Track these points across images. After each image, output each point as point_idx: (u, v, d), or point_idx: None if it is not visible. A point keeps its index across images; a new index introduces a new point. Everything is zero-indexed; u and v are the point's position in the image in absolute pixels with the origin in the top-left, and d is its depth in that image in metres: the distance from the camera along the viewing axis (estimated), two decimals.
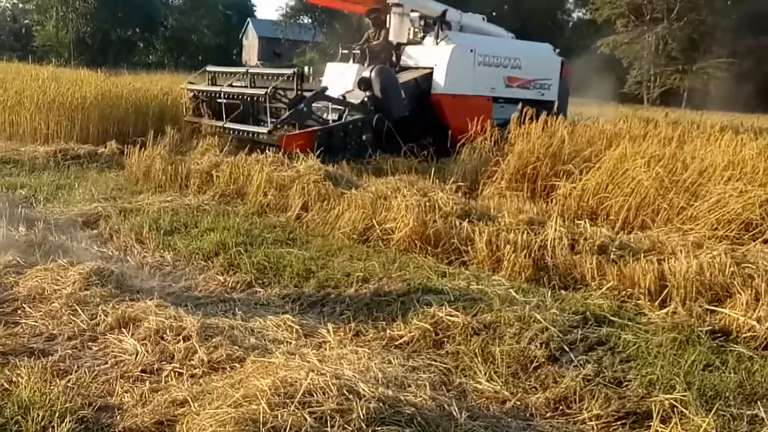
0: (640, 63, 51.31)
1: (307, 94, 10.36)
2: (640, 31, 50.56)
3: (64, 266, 5.08)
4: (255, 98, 10.58)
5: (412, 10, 12.47)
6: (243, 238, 6.25)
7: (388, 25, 12.64)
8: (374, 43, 12.51)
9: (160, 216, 6.94)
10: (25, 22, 62.24)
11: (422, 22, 12.49)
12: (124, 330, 4.19)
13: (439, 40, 12.04)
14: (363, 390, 3.24)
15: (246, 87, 11.24)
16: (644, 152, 7.44)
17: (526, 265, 5.40)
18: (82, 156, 10.32)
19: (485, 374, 3.85)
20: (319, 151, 9.28)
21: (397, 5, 12.19)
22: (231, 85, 11.47)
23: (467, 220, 6.26)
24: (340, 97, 11.27)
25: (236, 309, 4.77)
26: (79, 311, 4.44)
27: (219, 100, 11.34)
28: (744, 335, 4.25)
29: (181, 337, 4.05)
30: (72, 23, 54.66)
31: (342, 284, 5.20)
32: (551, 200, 7.65)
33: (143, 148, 9.35)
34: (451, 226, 6.16)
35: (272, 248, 6.05)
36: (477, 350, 4.06)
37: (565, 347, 4.07)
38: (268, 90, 10.06)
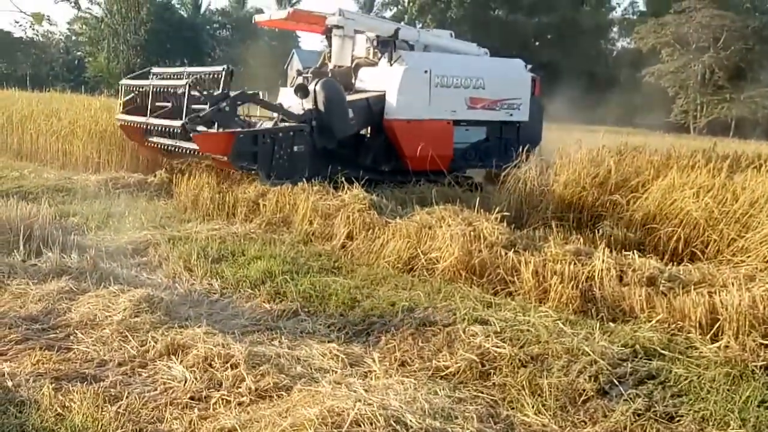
0: (686, 92, 50.76)
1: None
2: (685, 60, 50.09)
3: (114, 293, 5.20)
4: (178, 93, 9.78)
5: (356, 31, 11.61)
6: (289, 266, 6.31)
7: (356, 45, 11.81)
8: (329, 64, 11.70)
9: (208, 244, 7.04)
10: (78, 53, 64.09)
11: (376, 43, 11.78)
12: (173, 357, 4.25)
13: (393, 62, 11.20)
14: (410, 421, 3.24)
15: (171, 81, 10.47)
16: (693, 182, 7.32)
17: (574, 296, 5.34)
18: (132, 185, 10.53)
19: (533, 407, 3.81)
20: (240, 162, 8.89)
21: (338, 27, 11.21)
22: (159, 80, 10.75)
23: (513, 250, 6.22)
24: (276, 104, 10.52)
25: (282, 337, 4.81)
26: (130, 338, 4.52)
27: (155, 102, 10.43)
28: None
29: (229, 365, 4.09)
30: (123, 55, 56.06)
31: (387, 313, 5.21)
32: (598, 231, 7.55)
33: (191, 177, 9.51)
34: (496, 256, 6.13)
35: (318, 276, 6.10)
36: (524, 382, 4.02)
37: (615, 381, 4.01)
38: (188, 82, 9.37)
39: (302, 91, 10.20)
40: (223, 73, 9.36)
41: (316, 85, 10.30)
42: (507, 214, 7.84)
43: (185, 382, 3.95)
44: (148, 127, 10.33)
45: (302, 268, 6.33)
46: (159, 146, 10.64)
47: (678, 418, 3.66)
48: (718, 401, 3.73)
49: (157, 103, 10.34)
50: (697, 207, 6.85)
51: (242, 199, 8.70)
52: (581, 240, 6.81)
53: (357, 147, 11.07)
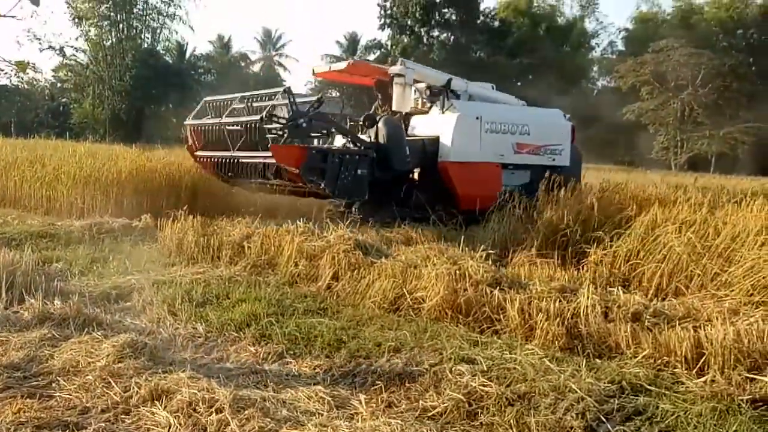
0: (666, 129, 51.50)
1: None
2: (665, 97, 50.93)
3: (98, 339, 5.13)
4: (252, 125, 10.44)
5: (416, 81, 12.56)
6: (274, 309, 6.28)
7: (391, 94, 12.56)
8: (382, 112, 12.55)
9: (193, 287, 7.00)
10: (63, 100, 64.24)
11: (428, 92, 12.65)
12: (157, 402, 4.18)
13: (444, 109, 12.12)
14: None
15: (242, 115, 11.05)
16: (675, 218, 7.40)
17: (560, 333, 5.34)
18: (116, 229, 10.48)
19: None
20: (309, 176, 9.53)
21: (399, 75, 12.20)
22: (228, 116, 11.30)
23: (498, 288, 6.22)
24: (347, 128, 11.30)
25: (268, 380, 4.75)
26: (113, 384, 4.45)
27: (226, 128, 11.17)
28: None
29: (213, 410, 4.03)
30: (108, 101, 56.25)
31: (373, 354, 5.18)
32: (582, 267, 7.59)
33: (176, 221, 9.50)
34: (482, 295, 6.12)
35: (303, 318, 6.07)
36: (512, 421, 3.99)
37: (602, 417, 3.99)
38: (263, 114, 10.04)
39: (370, 120, 11.20)
40: (288, 95, 10.20)
41: (379, 120, 11.23)
42: (492, 252, 7.89)
43: (169, 427, 3.89)
44: (232, 160, 11.00)
45: (287, 310, 6.30)
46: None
47: None
48: None
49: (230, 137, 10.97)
50: (679, 242, 6.91)
51: (227, 241, 8.67)
52: (566, 277, 6.83)
53: (405, 187, 11.69)
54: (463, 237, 8.63)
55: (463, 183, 11.29)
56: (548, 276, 7.06)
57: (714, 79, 49.50)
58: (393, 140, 11.10)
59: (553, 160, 12.89)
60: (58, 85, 65.70)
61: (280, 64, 79.54)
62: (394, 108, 12.36)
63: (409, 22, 59.66)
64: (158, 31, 61.16)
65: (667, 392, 4.34)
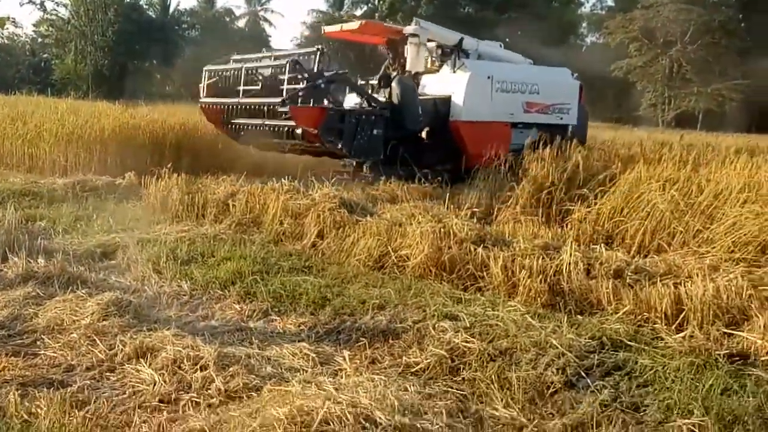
0: (654, 86, 51.38)
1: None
2: (653, 54, 50.67)
3: (82, 297, 5.15)
4: (274, 75, 10.71)
5: (429, 40, 12.63)
6: (259, 267, 6.30)
7: (405, 55, 12.76)
8: (393, 72, 12.64)
9: (177, 246, 7.00)
10: (44, 56, 63.15)
11: (439, 51, 12.77)
12: (141, 360, 4.21)
13: (456, 69, 12.19)
14: (379, 418, 3.25)
15: (262, 94, 11.19)
16: (659, 176, 7.43)
17: (542, 290, 5.38)
18: (100, 187, 10.44)
19: (502, 401, 3.83)
20: (327, 137, 9.80)
21: (413, 35, 12.36)
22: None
23: (482, 245, 6.25)
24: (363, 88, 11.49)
25: (253, 338, 4.79)
26: (98, 342, 4.48)
27: (238, 85, 11.43)
28: (762, 358, 4.20)
29: (198, 367, 4.07)
30: (90, 56, 55.32)
31: (358, 311, 5.22)
32: (566, 225, 7.63)
33: (160, 179, 9.45)
34: (466, 252, 6.16)
35: (288, 276, 6.09)
36: (493, 377, 4.04)
37: (582, 373, 4.06)
38: (288, 61, 10.29)
39: (385, 80, 11.36)
40: (318, 53, 10.40)
41: (392, 80, 11.36)
42: (477, 210, 7.92)
43: (154, 384, 3.92)
44: (237, 107, 11.26)
45: (272, 268, 6.32)
46: (241, 127, 11.57)
47: (643, 408, 3.70)
48: (682, 390, 3.78)
49: (245, 87, 11.21)
50: (663, 200, 6.94)
51: (212, 199, 8.65)
52: (550, 234, 6.87)
53: (417, 146, 11.72)
54: (448, 195, 8.65)
55: (473, 142, 11.29)
56: (532, 234, 7.09)
57: (703, 36, 49.19)
58: (406, 100, 11.19)
59: (561, 119, 13.06)
60: (39, 40, 64.55)
61: (266, 20, 78.38)
62: (408, 68, 12.51)
63: None
64: None
65: (646, 347, 4.40)
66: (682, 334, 4.57)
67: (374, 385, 3.81)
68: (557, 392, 3.91)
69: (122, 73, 56.15)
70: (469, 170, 10.68)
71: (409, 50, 12.48)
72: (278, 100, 10.14)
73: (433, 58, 12.99)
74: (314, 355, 4.42)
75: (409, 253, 6.35)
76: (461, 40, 12.58)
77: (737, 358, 4.22)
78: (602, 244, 6.37)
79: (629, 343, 4.46)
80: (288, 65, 10.27)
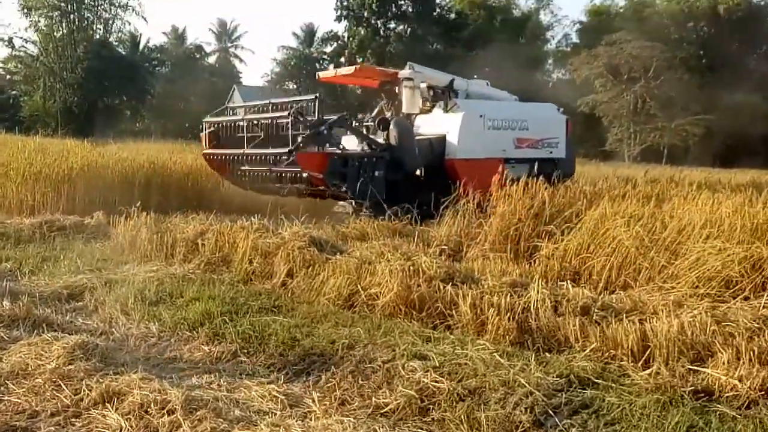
0: (620, 121, 52.26)
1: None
2: (618, 90, 51.63)
3: (48, 341, 5.06)
4: (276, 123, 11.01)
5: (422, 82, 13.07)
6: (228, 307, 6.27)
7: (400, 97, 13.23)
8: (387, 114, 13.05)
9: (146, 286, 6.94)
10: (12, 92, 62.73)
11: (431, 93, 13.16)
12: (108, 405, 4.15)
13: (448, 109, 12.69)
14: None
15: (267, 145, 11.42)
16: (624, 212, 7.55)
17: (510, 328, 5.42)
18: (68, 227, 10.33)
19: None
20: (332, 180, 10.23)
21: (408, 79, 12.84)
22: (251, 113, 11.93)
23: (451, 283, 6.29)
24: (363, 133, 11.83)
25: (221, 380, 4.75)
26: (63, 386, 4.41)
27: (239, 134, 11.73)
28: (726, 394, 4.26)
29: (165, 411, 4.02)
30: (59, 93, 55.03)
31: (327, 351, 5.20)
32: (534, 261, 7.71)
33: (129, 218, 9.39)
34: (435, 290, 6.19)
35: (257, 316, 6.06)
36: (462, 416, 4.04)
37: (550, 411, 4.08)
38: (291, 111, 10.56)
39: (383, 123, 11.73)
40: (316, 101, 10.88)
41: (391, 121, 11.80)
42: (446, 247, 7.98)
43: (120, 430, 3.87)
44: (243, 157, 11.55)
45: (242, 309, 6.29)
46: (247, 174, 11.87)
47: None
48: (649, 428, 3.82)
49: (248, 135, 11.52)
50: (628, 236, 7.04)
51: (181, 239, 8.62)
52: (517, 271, 6.93)
53: (414, 184, 12.00)
54: (417, 233, 8.70)
55: (469, 178, 11.41)
56: (501, 270, 7.15)
57: (666, 72, 50.30)
58: (405, 141, 11.57)
59: (551, 152, 13.51)
60: (8, 77, 64.15)
61: (236, 56, 78.90)
62: (404, 110, 12.97)
63: (365, 14, 59.49)
64: (111, 22, 59.92)
65: (613, 385, 4.45)
66: (648, 371, 4.63)
67: (343, 428, 3.82)
68: None
69: (92, 110, 55.88)
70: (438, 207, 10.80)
71: (405, 93, 12.99)
72: (285, 150, 10.49)
73: (425, 99, 13.39)
74: (283, 397, 4.40)
75: (379, 292, 6.36)
76: (452, 81, 13.11)
77: (702, 395, 4.28)
78: (569, 281, 6.45)
79: (596, 380, 4.50)
80: (291, 116, 10.55)
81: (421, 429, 4.01)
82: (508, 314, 5.52)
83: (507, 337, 5.38)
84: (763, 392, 4.21)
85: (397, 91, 13.39)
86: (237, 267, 7.75)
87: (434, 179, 11.95)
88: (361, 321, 5.98)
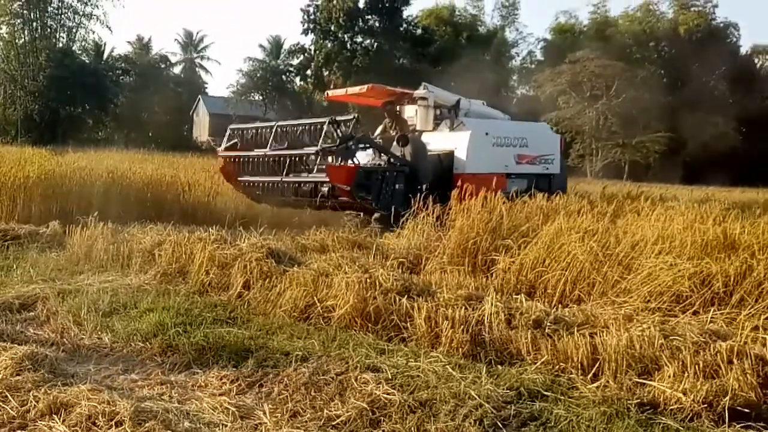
0: (582, 137, 53.04)
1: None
2: (581, 107, 52.45)
3: None
4: (302, 158, 11.90)
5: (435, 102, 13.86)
6: (183, 318, 6.21)
7: (402, 115, 14.14)
8: (392, 132, 13.60)
9: (100, 297, 6.85)
10: None
11: (437, 111, 13.92)
12: (55, 416, 4.10)
13: (455, 127, 13.48)
14: None
15: (291, 148, 12.07)
16: (579, 227, 7.66)
17: (464, 340, 5.46)
18: (22, 236, 10.16)
19: None
20: (358, 192, 10.94)
21: (423, 98, 13.64)
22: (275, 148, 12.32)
23: (407, 296, 6.31)
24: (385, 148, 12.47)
25: (173, 391, 4.72)
26: (9, 398, 4.33)
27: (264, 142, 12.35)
28: (671, 407, 4.34)
29: (113, 423, 3.98)
30: (20, 101, 54.24)
31: (281, 363, 5.19)
32: (491, 275, 7.77)
33: (85, 228, 9.28)
34: (391, 303, 6.20)
35: (212, 328, 6.02)
36: (413, 429, 4.07)
37: (499, 423, 4.12)
38: (329, 118, 11.52)
39: (404, 139, 12.31)
40: (354, 120, 11.67)
41: (409, 136, 12.51)
42: (404, 260, 8.01)
43: None
44: (261, 160, 12.17)
45: (196, 320, 6.24)
46: (260, 185, 12.47)
47: None
48: None
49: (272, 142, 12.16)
50: (582, 250, 7.14)
51: (137, 249, 8.54)
52: (474, 285, 6.99)
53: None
54: (375, 246, 8.73)
55: (476, 192, 11.81)
56: (457, 283, 7.20)
57: (627, 90, 51.27)
58: (420, 156, 12.29)
59: (547, 168, 14.44)
60: None
61: (202, 67, 78.64)
62: (418, 127, 13.72)
63: (332, 28, 59.66)
64: (74, 30, 59.31)
65: (562, 397, 4.51)
66: (596, 384, 4.69)
67: None
68: None
69: (53, 118, 55.12)
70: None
71: (419, 112, 13.75)
72: (313, 149, 11.23)
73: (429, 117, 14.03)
74: (234, 409, 4.38)
75: (335, 304, 6.37)
76: (458, 101, 13.91)
77: (648, 407, 4.35)
78: (525, 294, 6.51)
79: (546, 393, 4.56)
80: (328, 122, 11.37)
81: None
82: (462, 327, 5.56)
83: (460, 349, 5.42)
84: (706, 405, 4.29)
85: (398, 110, 14.18)
86: (193, 278, 7.70)
87: (439, 192, 12.29)
88: (316, 333, 5.98)
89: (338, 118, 12.01)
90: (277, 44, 70.27)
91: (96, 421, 4.01)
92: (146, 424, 3.97)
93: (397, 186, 11.83)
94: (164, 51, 75.42)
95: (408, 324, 5.93)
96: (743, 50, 64.56)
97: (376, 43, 60.64)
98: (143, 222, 10.50)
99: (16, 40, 55.91)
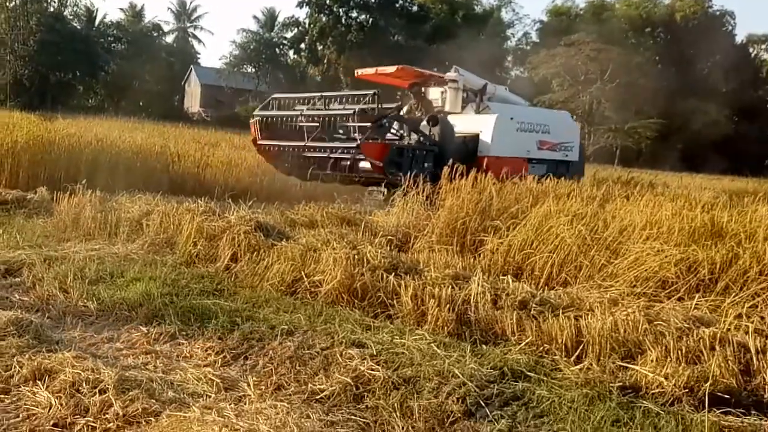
0: (575, 121, 52.99)
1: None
2: (574, 90, 52.37)
3: None
4: (336, 118, 12.20)
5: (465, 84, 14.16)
6: (169, 289, 6.21)
7: (428, 96, 14.32)
8: (417, 113, 13.80)
9: (86, 264, 6.83)
10: None
11: (465, 94, 14.22)
12: (39, 382, 4.10)
13: (480, 110, 13.86)
14: None
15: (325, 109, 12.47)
16: (568, 210, 7.67)
17: (449, 319, 5.48)
18: (9, 202, 10.11)
19: (403, 429, 3.88)
20: (389, 168, 11.30)
21: (453, 81, 13.96)
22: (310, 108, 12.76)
23: (394, 273, 6.32)
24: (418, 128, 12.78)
25: (157, 361, 4.73)
26: None
27: (300, 123, 12.50)
28: (652, 391, 4.38)
29: (97, 390, 3.98)
30: (9, 65, 53.66)
31: (267, 337, 5.19)
32: (479, 255, 7.79)
33: (73, 195, 9.23)
34: (378, 280, 6.22)
35: (198, 299, 6.02)
36: (396, 405, 4.09)
37: (482, 402, 4.15)
38: (356, 109, 11.60)
39: (434, 120, 12.57)
40: (376, 96, 11.76)
41: (439, 120, 12.74)
42: (393, 238, 8.01)
43: (50, 408, 3.82)
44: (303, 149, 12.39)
45: (183, 291, 6.24)
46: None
47: None
48: (576, 421, 3.91)
49: (307, 125, 12.36)
50: (570, 234, 7.16)
51: (125, 218, 8.50)
52: (461, 264, 7.00)
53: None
54: (364, 222, 8.72)
55: (497, 174, 12.03)
56: (445, 263, 7.21)
57: (621, 75, 51.21)
58: (448, 137, 12.60)
59: (566, 156, 14.69)
60: None
61: (195, 37, 77.96)
62: (447, 109, 13.99)
63: (328, 2, 59.24)
64: None
65: (545, 378, 4.54)
66: (579, 366, 4.73)
67: (276, 412, 3.83)
68: (457, 422, 3.98)
69: (43, 83, 54.65)
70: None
71: (449, 94, 14.07)
72: (354, 144, 11.53)
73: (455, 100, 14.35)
74: (219, 381, 4.39)
75: (322, 279, 6.37)
76: (485, 85, 14.26)
77: (629, 391, 4.39)
78: (512, 276, 6.53)
79: (529, 373, 4.59)
80: (356, 114, 11.53)
81: (354, 416, 4.04)
82: (448, 306, 5.58)
83: (445, 328, 5.44)
84: (687, 390, 4.33)
85: (423, 91, 14.29)
86: (181, 249, 7.68)
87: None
88: (302, 307, 5.98)
89: (353, 96, 12.42)
90: (271, 16, 69.63)
91: (80, 388, 4.01)
92: (130, 392, 3.98)
93: (426, 164, 12.08)
94: (157, 19, 74.99)
95: (394, 301, 5.94)
96: (738, 39, 64.71)
97: (371, 19, 60.29)
98: (132, 191, 10.43)
99: (7, 3, 55.18)
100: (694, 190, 10.30)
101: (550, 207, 7.74)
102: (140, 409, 3.81)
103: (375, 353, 4.75)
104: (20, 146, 12.03)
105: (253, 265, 6.93)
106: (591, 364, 4.74)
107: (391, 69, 14.81)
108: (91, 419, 3.74)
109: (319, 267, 6.54)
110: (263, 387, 4.39)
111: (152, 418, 3.74)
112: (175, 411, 3.76)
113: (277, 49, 66.83)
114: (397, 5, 61.28)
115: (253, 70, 67.06)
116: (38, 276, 6.45)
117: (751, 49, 65.51)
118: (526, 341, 5.14)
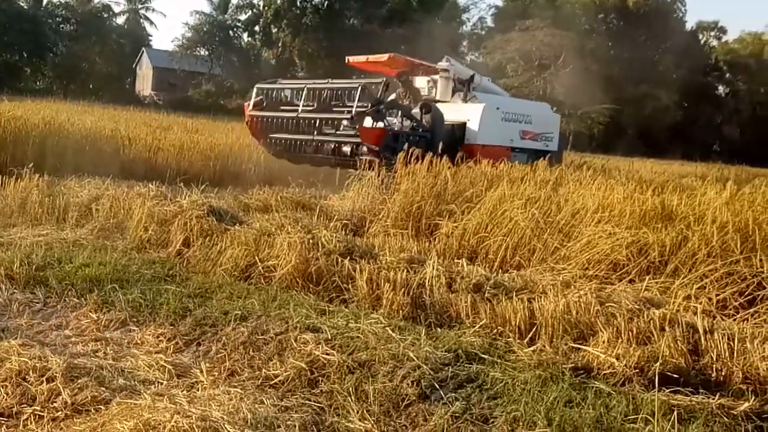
0: None
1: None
2: (529, 75, 52.76)
3: None
4: (330, 96, 12.78)
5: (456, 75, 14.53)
6: (119, 275, 6.10)
7: (415, 85, 14.59)
8: (404, 101, 13.98)
9: (33, 250, 6.68)
10: None
11: (452, 84, 14.52)
12: None
13: (467, 99, 14.17)
14: None
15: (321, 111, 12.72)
16: (522, 194, 7.73)
17: (404, 303, 5.48)
18: None
19: (358, 413, 3.88)
20: (385, 152, 11.47)
21: (445, 70, 14.39)
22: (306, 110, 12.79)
23: (349, 258, 6.30)
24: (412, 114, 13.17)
25: (108, 348, 4.65)
26: None
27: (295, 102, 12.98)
28: (604, 372, 4.44)
29: (44, 379, 3.90)
30: None
31: (220, 322, 5.14)
32: (434, 239, 7.81)
33: (20, 179, 9.00)
34: (333, 264, 6.19)
35: (149, 285, 5.93)
36: (351, 389, 4.08)
37: (436, 385, 4.15)
38: (360, 85, 12.06)
39: (427, 108, 13.01)
40: (383, 83, 12.28)
41: (431, 108, 13.16)
42: (348, 222, 7.99)
43: None
44: (289, 121, 12.71)
45: (133, 277, 6.13)
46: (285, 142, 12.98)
47: (492, 420, 3.84)
48: (529, 402, 3.94)
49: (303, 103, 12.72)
50: (524, 217, 7.22)
51: (74, 203, 8.32)
52: (416, 248, 7.01)
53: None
54: (319, 206, 8.68)
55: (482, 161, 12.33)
56: (400, 247, 7.22)
57: (575, 61, 51.76)
58: (438, 124, 12.95)
59: (546, 145, 15.06)
60: None
61: (146, 18, 76.32)
62: (437, 97, 14.34)
63: None
64: None
65: (498, 360, 4.56)
66: (532, 348, 4.76)
67: (229, 398, 3.79)
68: (412, 404, 3.99)
69: None
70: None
71: (440, 83, 14.44)
72: (347, 116, 11.83)
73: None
74: (171, 367, 4.34)
75: (276, 264, 6.32)
76: (473, 75, 14.68)
77: (581, 371, 4.44)
78: (466, 259, 6.56)
79: (483, 355, 4.60)
80: (359, 89, 11.90)
81: (309, 400, 4.03)
82: (403, 290, 5.58)
83: (401, 311, 5.44)
84: (637, 370, 4.40)
85: (411, 80, 14.53)
86: (131, 234, 7.54)
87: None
88: (256, 293, 5.91)
89: (368, 81, 12.62)
90: None
91: (26, 376, 3.93)
92: (79, 380, 3.91)
93: (419, 150, 12.09)
94: (107, 0, 72.85)
95: (349, 286, 5.93)
96: (689, 26, 65.84)
97: (326, 1, 59.78)
98: (81, 175, 10.20)
99: None
100: (646, 175, 10.47)
101: (504, 191, 7.79)
102: (89, 397, 3.75)
103: (330, 338, 4.72)
104: None
105: (206, 250, 6.84)
106: (544, 346, 4.79)
107: (384, 57, 15.13)
108: (38, 408, 3.67)
109: (273, 252, 6.48)
110: (216, 373, 4.36)
111: (102, 406, 3.68)
112: (126, 398, 3.69)
113: (231, 32, 65.92)
114: None
115: (207, 53, 66.09)
116: None
117: (700, 36, 66.75)
118: (480, 324, 5.16)
